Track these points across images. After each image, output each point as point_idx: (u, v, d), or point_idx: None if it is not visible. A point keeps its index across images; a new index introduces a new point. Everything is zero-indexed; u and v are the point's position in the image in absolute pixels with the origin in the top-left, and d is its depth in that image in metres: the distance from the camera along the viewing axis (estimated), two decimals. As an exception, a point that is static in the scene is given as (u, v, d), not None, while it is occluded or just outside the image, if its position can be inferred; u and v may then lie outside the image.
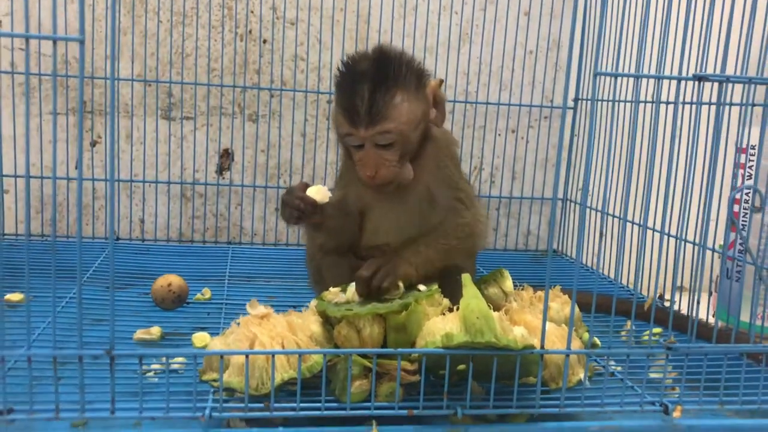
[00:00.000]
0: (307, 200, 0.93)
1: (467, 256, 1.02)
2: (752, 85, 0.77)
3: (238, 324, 0.83)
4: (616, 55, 0.76)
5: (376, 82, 0.91)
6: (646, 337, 1.07)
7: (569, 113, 1.54)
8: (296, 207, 0.93)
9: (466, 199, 0.99)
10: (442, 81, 0.99)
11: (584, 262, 1.56)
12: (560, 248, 1.68)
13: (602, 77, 0.75)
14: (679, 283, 0.87)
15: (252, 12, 1.54)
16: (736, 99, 0.97)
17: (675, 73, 0.77)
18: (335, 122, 0.98)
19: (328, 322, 0.85)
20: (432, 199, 0.99)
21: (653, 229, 0.96)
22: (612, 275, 1.43)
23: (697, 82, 0.77)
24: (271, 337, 0.79)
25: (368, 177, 0.93)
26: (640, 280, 0.82)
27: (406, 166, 0.95)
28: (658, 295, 0.90)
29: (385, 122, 0.91)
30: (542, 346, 0.77)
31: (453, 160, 1.01)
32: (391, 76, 0.91)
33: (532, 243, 1.74)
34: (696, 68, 0.78)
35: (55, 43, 0.65)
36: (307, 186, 0.95)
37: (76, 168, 1.52)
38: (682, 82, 0.77)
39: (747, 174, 1.07)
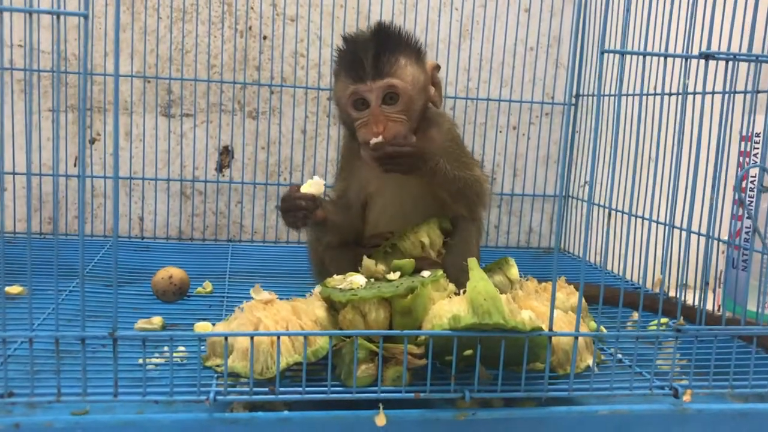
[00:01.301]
0: (306, 197, 0.92)
1: (468, 210, 1.01)
2: (759, 64, 0.77)
3: (242, 309, 0.82)
4: (623, 36, 0.75)
5: (379, 44, 0.92)
6: (653, 328, 1.06)
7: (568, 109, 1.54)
8: (299, 207, 0.91)
9: (474, 167, 1.00)
10: (439, 66, 1.00)
11: (588, 259, 1.55)
12: (563, 245, 1.67)
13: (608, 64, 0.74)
14: (683, 281, 0.87)
15: (252, 8, 1.53)
16: (741, 86, 0.96)
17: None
18: (338, 93, 0.98)
19: (333, 307, 0.84)
20: None
21: (657, 221, 0.95)
22: (615, 270, 1.42)
23: (703, 63, 0.76)
24: (276, 321, 0.78)
25: (375, 134, 0.91)
26: (644, 271, 0.81)
27: (410, 135, 0.94)
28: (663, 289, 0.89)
29: (391, 77, 0.92)
30: (550, 329, 0.76)
31: (456, 141, 1.02)
32: (393, 42, 0.94)
33: (534, 241, 1.73)
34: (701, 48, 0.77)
35: (58, 18, 0.64)
36: (298, 187, 0.94)
37: (74, 165, 1.52)
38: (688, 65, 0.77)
39: (752, 162, 1.06)
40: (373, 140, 0.91)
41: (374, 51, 0.92)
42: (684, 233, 0.86)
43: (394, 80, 0.92)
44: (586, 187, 1.59)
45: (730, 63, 0.76)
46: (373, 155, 0.92)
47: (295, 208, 0.92)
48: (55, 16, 0.65)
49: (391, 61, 0.92)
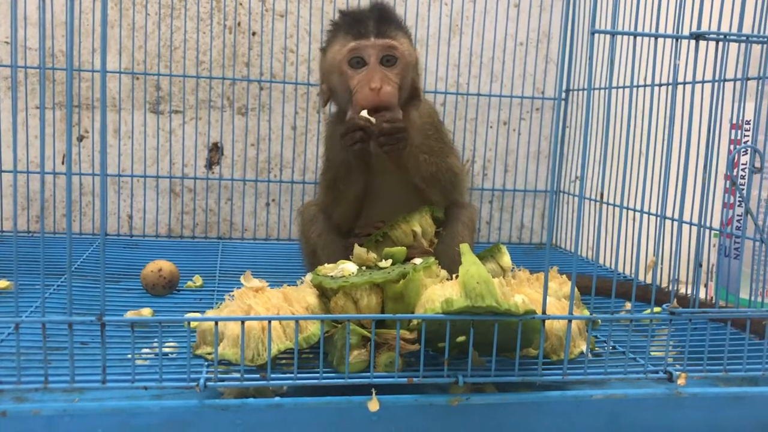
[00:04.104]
0: (366, 118, 0.92)
1: (443, 197, 1.02)
2: (749, 45, 0.76)
3: (233, 297, 0.81)
4: (613, 17, 0.75)
5: (382, 12, 0.97)
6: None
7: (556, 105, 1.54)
8: (361, 126, 0.91)
9: (449, 155, 1.02)
10: (420, 55, 1.05)
11: (580, 254, 1.55)
12: (554, 241, 1.67)
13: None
14: (676, 270, 0.86)
15: (240, 4, 1.53)
16: (730, 72, 0.96)
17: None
18: (332, 54, 0.98)
19: (324, 295, 0.83)
20: None
21: (648, 213, 0.95)
22: (607, 264, 1.42)
23: (694, 44, 0.76)
24: (267, 308, 0.77)
25: (372, 90, 0.92)
26: (637, 262, 0.80)
27: (398, 108, 0.95)
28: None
29: (393, 38, 0.95)
30: (544, 312, 0.75)
31: (436, 126, 1.02)
32: (392, 16, 0.98)
33: (526, 236, 1.72)
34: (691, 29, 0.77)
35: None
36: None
37: (62, 163, 1.50)
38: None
39: (743, 150, 1.06)
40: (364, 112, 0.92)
41: (379, 13, 0.96)
42: (676, 224, 0.86)
43: (395, 42, 0.95)
44: (577, 182, 1.59)
45: (721, 44, 0.75)
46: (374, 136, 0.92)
47: (360, 126, 0.91)
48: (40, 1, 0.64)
49: (392, 27, 0.96)
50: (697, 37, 0.74)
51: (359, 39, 0.94)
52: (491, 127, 1.65)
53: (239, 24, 1.53)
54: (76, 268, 1.25)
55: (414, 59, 0.99)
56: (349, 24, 0.96)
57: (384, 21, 0.96)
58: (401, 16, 1.01)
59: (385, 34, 0.94)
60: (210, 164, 1.58)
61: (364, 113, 0.92)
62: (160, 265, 1.08)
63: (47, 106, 1.49)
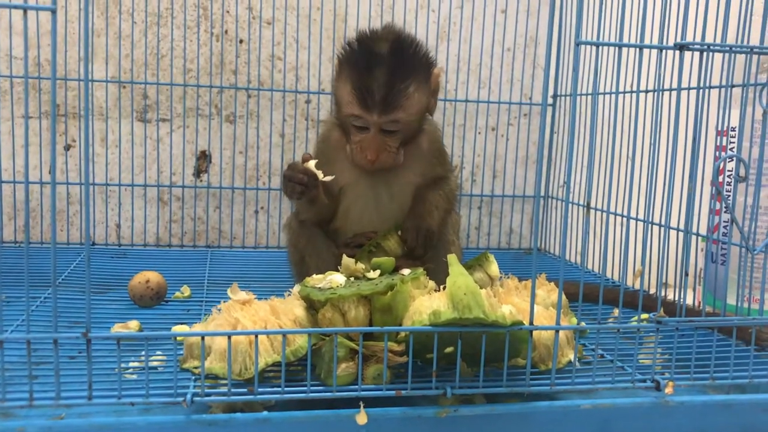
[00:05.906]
0: (310, 173, 0.93)
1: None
2: (733, 55, 0.77)
3: (220, 310, 0.81)
4: (598, 28, 0.75)
5: (394, 68, 0.90)
6: (634, 321, 1.06)
7: (547, 110, 1.54)
8: (300, 181, 0.92)
9: (450, 177, 1.03)
10: (442, 69, 1.00)
11: (568, 258, 1.55)
12: (542, 246, 1.67)
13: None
14: (664, 276, 0.86)
15: (228, 12, 1.52)
16: (715, 81, 0.97)
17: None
18: (340, 98, 0.96)
19: (312, 307, 0.83)
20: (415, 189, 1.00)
21: (636, 219, 0.95)
22: (595, 269, 1.42)
23: (678, 55, 0.76)
24: (254, 321, 0.77)
25: (368, 161, 0.93)
26: (624, 268, 0.81)
27: (400, 152, 0.96)
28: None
29: (397, 111, 0.91)
30: (531, 323, 0.75)
31: (440, 149, 1.03)
32: (408, 64, 0.92)
33: (515, 242, 1.73)
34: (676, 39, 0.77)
35: (25, 13, 0.63)
36: (308, 159, 0.96)
37: (50, 173, 1.49)
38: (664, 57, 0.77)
39: (728, 157, 1.06)
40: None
41: (387, 77, 0.90)
42: (662, 229, 0.86)
43: (399, 115, 0.92)
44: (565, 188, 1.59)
45: (704, 54, 0.76)
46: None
47: (296, 181, 0.93)
48: (23, 14, 0.63)
49: (401, 89, 0.91)
50: (681, 47, 0.74)
51: (365, 110, 0.91)
52: (479, 132, 1.65)
53: (226, 32, 1.53)
54: (64, 278, 1.24)
55: (427, 98, 0.96)
56: (357, 84, 0.91)
57: (394, 87, 0.90)
58: (420, 47, 0.94)
59: (390, 108, 0.90)
60: (198, 172, 1.57)
61: (311, 164, 0.94)
62: (148, 277, 1.07)
63: (33, 116, 1.48)
